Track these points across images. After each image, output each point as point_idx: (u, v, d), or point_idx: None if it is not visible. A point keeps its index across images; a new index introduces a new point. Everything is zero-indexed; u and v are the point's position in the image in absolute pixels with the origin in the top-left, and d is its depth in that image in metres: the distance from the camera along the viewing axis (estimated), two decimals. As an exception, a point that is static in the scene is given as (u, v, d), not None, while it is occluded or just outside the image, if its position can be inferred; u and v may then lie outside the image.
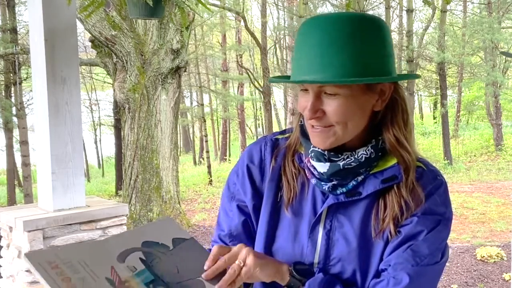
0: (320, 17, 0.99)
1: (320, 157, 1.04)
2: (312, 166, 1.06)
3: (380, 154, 1.05)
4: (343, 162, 1.03)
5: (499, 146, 15.54)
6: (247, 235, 1.14)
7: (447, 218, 1.06)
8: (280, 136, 1.16)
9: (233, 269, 0.97)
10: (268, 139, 1.16)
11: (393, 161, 1.04)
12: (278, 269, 1.03)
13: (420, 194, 1.03)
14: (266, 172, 1.13)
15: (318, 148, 1.04)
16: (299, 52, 0.99)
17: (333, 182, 1.05)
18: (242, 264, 0.98)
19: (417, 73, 16.64)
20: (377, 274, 1.05)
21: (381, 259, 1.05)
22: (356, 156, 1.03)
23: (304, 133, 1.08)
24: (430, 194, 1.04)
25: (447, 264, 5.78)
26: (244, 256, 0.99)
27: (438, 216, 1.04)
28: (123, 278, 0.91)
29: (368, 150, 1.04)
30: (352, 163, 1.03)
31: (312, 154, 1.05)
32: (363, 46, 0.96)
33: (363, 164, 1.03)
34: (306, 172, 1.09)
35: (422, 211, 1.03)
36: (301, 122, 1.10)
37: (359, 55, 0.96)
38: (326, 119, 1.00)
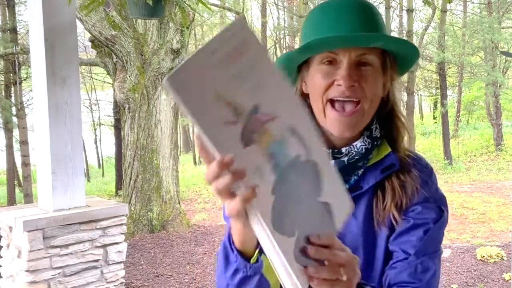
0: None
1: None
2: None
3: (375, 143, 1.05)
4: (347, 157, 1.02)
5: (499, 146, 15.54)
6: None
7: (445, 204, 1.08)
8: None
9: (336, 272, 0.78)
10: None
11: (388, 150, 1.05)
12: None
13: (415, 179, 1.04)
14: None
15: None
16: (329, 23, 0.99)
17: None
18: (343, 278, 0.78)
19: (416, 73, 16.69)
20: (392, 262, 1.03)
21: (385, 247, 1.04)
22: (356, 149, 1.03)
23: None
24: (425, 182, 1.05)
25: (447, 264, 5.70)
26: (354, 274, 0.81)
27: (438, 202, 1.06)
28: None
29: (365, 141, 1.03)
30: (356, 157, 1.02)
31: None
32: (382, 22, 1.03)
33: (363, 156, 1.03)
34: None
35: (424, 199, 1.03)
36: None
37: (384, 29, 1.02)
38: (359, 90, 0.97)
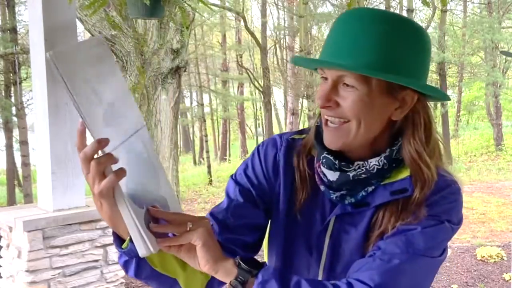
0: (363, 8, 0.99)
1: (331, 166, 1.00)
2: (322, 172, 1.03)
3: (394, 165, 1.00)
4: (354, 173, 0.99)
5: (499, 146, 15.56)
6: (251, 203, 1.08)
7: (450, 221, 0.99)
8: (296, 136, 1.11)
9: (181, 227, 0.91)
10: (284, 139, 1.10)
11: (406, 174, 0.99)
12: (223, 259, 0.92)
13: (423, 210, 0.96)
14: (279, 173, 1.08)
15: (330, 156, 0.99)
16: (330, 38, 0.97)
17: (342, 192, 1.01)
18: (190, 227, 0.90)
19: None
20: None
21: None
22: (367, 167, 0.98)
23: (318, 136, 1.04)
24: (435, 202, 0.98)
25: (447, 264, 5.68)
26: (200, 226, 0.91)
27: (439, 218, 0.98)
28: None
29: (381, 160, 0.99)
30: (363, 175, 0.99)
31: (324, 161, 1.01)
32: (397, 47, 0.93)
33: (374, 175, 0.99)
34: (316, 177, 1.05)
35: (423, 217, 0.97)
36: (317, 123, 1.06)
37: (390, 54, 0.92)
38: (339, 110, 0.95)
